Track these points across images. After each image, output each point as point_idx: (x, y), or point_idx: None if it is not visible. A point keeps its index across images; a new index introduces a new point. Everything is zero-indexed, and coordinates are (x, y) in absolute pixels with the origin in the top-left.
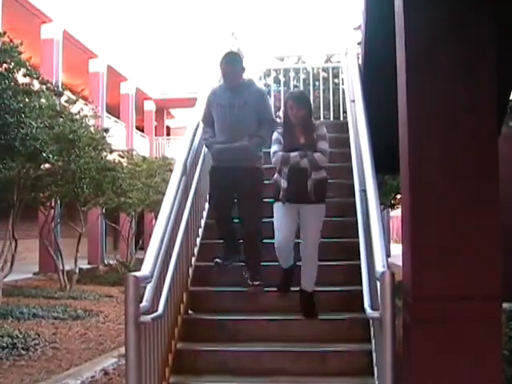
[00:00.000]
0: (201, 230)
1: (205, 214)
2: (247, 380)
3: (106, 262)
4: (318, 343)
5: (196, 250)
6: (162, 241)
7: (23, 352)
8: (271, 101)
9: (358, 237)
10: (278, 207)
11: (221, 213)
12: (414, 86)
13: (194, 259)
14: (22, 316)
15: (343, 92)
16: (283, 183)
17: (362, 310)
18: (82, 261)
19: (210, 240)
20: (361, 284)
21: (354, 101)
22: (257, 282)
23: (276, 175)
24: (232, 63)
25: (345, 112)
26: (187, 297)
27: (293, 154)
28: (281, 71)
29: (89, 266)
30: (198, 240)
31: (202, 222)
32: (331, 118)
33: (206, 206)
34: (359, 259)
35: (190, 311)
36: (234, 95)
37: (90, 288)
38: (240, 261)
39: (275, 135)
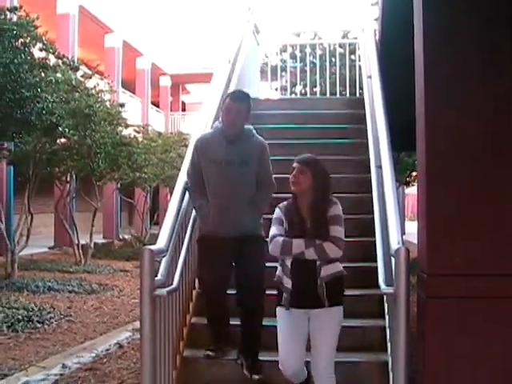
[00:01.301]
0: None
1: None
2: (263, 354)
3: (120, 236)
4: None
5: None
6: (177, 215)
7: (38, 325)
8: (288, 78)
9: (373, 213)
10: (281, 314)
11: (214, 292)
12: (431, 62)
13: None
14: (38, 289)
15: (360, 68)
16: (286, 282)
17: (377, 286)
18: (97, 235)
19: None
20: (375, 260)
21: (370, 77)
22: (257, 376)
23: (278, 270)
24: (239, 100)
25: (361, 88)
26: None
27: (296, 242)
28: (297, 47)
29: (104, 241)
30: None
31: None
32: (347, 95)
33: None
34: (374, 236)
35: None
36: (232, 148)
37: (104, 262)
38: (237, 357)
39: (277, 212)
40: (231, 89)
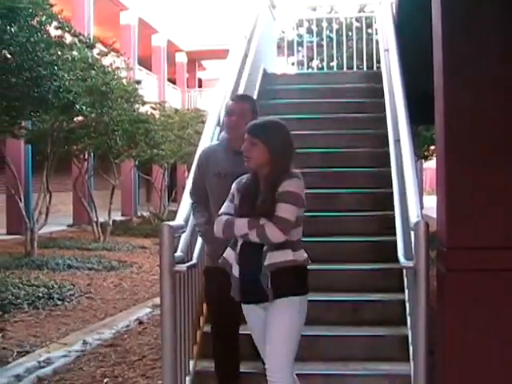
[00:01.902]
0: None
1: None
2: None
3: (139, 213)
4: (353, 293)
5: None
6: None
7: (59, 302)
8: (304, 52)
9: (390, 187)
10: (244, 309)
11: (225, 327)
12: (449, 33)
13: None
14: (58, 267)
15: (376, 42)
16: (234, 269)
17: (396, 260)
18: (116, 213)
19: None
20: (394, 234)
21: (387, 50)
22: None
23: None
24: (241, 100)
25: (378, 62)
26: None
27: (239, 222)
28: (313, 21)
29: (122, 218)
30: None
31: None
32: (364, 68)
33: None
34: (392, 210)
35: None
36: (238, 159)
37: (123, 239)
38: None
39: (232, 186)
40: (248, 65)
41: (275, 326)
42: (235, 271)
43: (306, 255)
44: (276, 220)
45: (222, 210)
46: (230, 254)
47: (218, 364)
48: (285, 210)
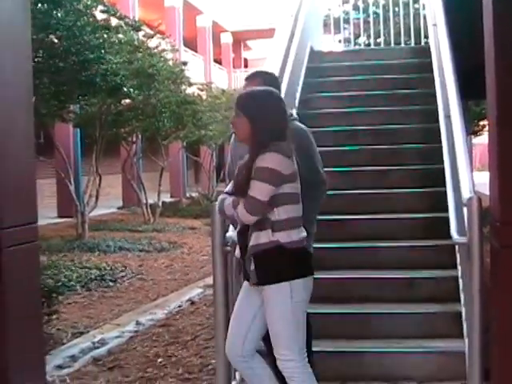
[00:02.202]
0: None
1: None
2: (334, 307)
3: (188, 194)
4: (405, 270)
5: None
6: None
7: (111, 284)
8: (351, 29)
9: (441, 163)
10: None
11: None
12: (500, 5)
13: None
14: (109, 249)
15: (424, 17)
16: (237, 248)
17: (448, 236)
18: (165, 194)
19: None
20: (447, 210)
21: (435, 25)
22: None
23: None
24: (249, 78)
25: (426, 37)
26: None
27: (228, 201)
28: None
29: (171, 200)
30: None
31: None
32: (412, 44)
33: None
34: (443, 186)
35: None
36: None
37: (173, 221)
38: None
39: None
40: (295, 43)
41: (268, 313)
42: (237, 251)
43: (298, 236)
44: (246, 199)
45: (226, 188)
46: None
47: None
48: (254, 188)
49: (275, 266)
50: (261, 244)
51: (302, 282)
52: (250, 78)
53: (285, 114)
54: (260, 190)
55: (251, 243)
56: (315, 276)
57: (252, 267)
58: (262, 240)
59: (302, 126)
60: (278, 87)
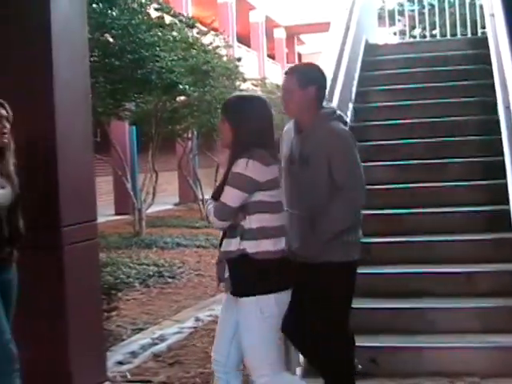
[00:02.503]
0: None
1: None
2: (393, 302)
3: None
4: (464, 264)
5: None
6: None
7: (169, 280)
8: (406, 21)
9: (500, 155)
10: None
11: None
12: None
13: None
14: (166, 246)
15: (480, 7)
16: None
17: (508, 229)
18: None
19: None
20: (507, 203)
21: (493, 15)
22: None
23: None
24: (285, 74)
25: (483, 27)
26: None
27: (209, 206)
28: None
29: None
30: None
31: None
32: (468, 35)
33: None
34: (504, 178)
35: None
36: (297, 141)
37: None
38: None
39: None
40: (350, 36)
41: (239, 327)
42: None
43: (273, 247)
44: (216, 204)
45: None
46: None
47: None
48: (224, 194)
49: (243, 276)
50: (228, 252)
51: (273, 297)
52: (285, 74)
53: (268, 121)
54: (230, 196)
55: (222, 249)
56: (373, 271)
57: (226, 274)
58: (228, 248)
59: (343, 127)
60: (317, 79)
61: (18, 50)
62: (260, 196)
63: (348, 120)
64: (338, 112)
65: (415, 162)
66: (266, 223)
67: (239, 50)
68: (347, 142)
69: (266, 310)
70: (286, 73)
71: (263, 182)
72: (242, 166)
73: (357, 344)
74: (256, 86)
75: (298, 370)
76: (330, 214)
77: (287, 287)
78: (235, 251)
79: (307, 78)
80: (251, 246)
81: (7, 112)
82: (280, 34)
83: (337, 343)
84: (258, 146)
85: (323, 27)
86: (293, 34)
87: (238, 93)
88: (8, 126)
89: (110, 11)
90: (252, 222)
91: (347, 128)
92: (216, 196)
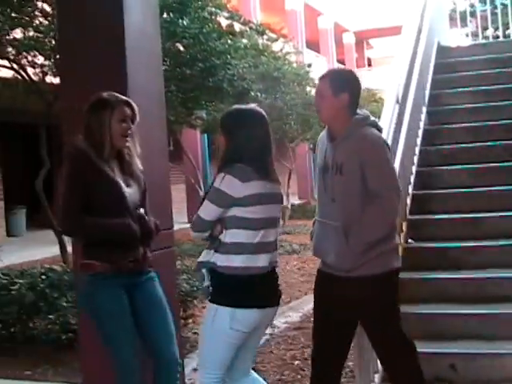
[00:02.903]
0: (416, 158)
1: (419, 140)
2: (471, 307)
3: (315, 196)
4: None
5: (412, 178)
6: None
7: None
8: (478, 22)
9: None
10: None
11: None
12: None
13: (410, 188)
14: None
15: None
16: None
17: None
18: (293, 196)
19: (426, 168)
20: None
21: None
22: None
23: None
24: (319, 80)
25: None
26: (406, 226)
27: None
28: None
29: (299, 201)
30: (414, 168)
31: (417, 149)
32: None
33: (420, 132)
34: None
35: (409, 240)
36: (330, 148)
37: (302, 222)
38: None
39: None
40: (422, 39)
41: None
42: None
43: (244, 263)
44: (195, 215)
45: None
46: None
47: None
48: (201, 206)
49: (214, 285)
50: (203, 262)
51: (228, 312)
52: (319, 79)
53: (260, 136)
54: (204, 209)
55: (198, 259)
56: (450, 276)
57: (205, 283)
58: (205, 258)
59: (377, 133)
60: (350, 85)
61: (94, 61)
62: (237, 211)
63: (422, 124)
64: (372, 118)
65: (493, 164)
66: (242, 239)
67: (308, 56)
68: (381, 149)
69: (218, 319)
70: (320, 77)
71: (240, 197)
72: (218, 181)
73: (435, 350)
74: None
75: (377, 377)
76: (365, 224)
77: (251, 306)
78: (208, 262)
79: (341, 84)
80: (222, 260)
81: (133, 112)
82: (349, 39)
83: (401, 352)
84: (244, 161)
85: (392, 31)
86: (362, 39)
87: (236, 106)
88: (133, 126)
89: (180, 20)
90: (227, 236)
91: (381, 133)
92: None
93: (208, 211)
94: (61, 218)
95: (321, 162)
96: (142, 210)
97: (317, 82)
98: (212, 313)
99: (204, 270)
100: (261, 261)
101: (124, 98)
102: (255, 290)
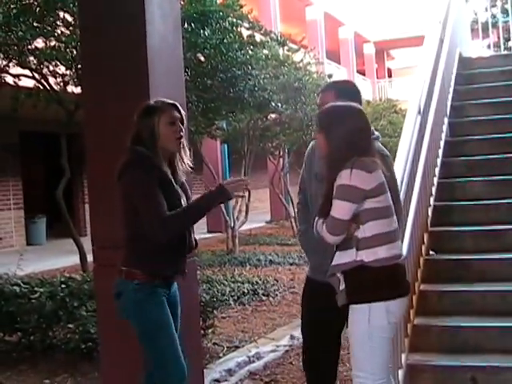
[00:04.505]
0: (437, 169)
1: (440, 152)
2: (493, 320)
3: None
4: None
5: (434, 190)
6: (401, 182)
7: (264, 297)
8: (500, 33)
9: None
10: None
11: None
12: None
13: (432, 199)
14: (259, 263)
15: None
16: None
17: None
18: None
19: (447, 179)
20: None
21: None
22: None
23: None
24: (322, 91)
25: None
26: (428, 237)
27: (318, 223)
28: (507, 0)
29: None
30: (436, 179)
31: (438, 161)
32: None
33: (441, 143)
34: None
35: (431, 252)
36: None
37: None
38: None
39: None
40: (444, 50)
41: (349, 334)
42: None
43: (387, 253)
44: (327, 219)
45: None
46: None
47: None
48: (334, 208)
49: (359, 286)
50: (343, 264)
51: (384, 306)
52: (322, 91)
53: (364, 130)
54: (340, 209)
55: (334, 262)
56: (472, 288)
57: (341, 287)
58: (345, 260)
59: (382, 148)
60: (354, 96)
61: (116, 71)
62: (369, 204)
63: (444, 136)
64: (372, 128)
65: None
66: (380, 230)
67: (329, 67)
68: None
69: (375, 318)
70: (324, 89)
71: (369, 189)
72: (346, 177)
73: (456, 363)
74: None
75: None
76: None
77: (400, 295)
78: (351, 262)
79: (346, 95)
80: (368, 255)
81: (180, 113)
82: (369, 50)
83: None
84: (358, 155)
85: (413, 42)
86: (382, 49)
87: (331, 103)
88: (183, 128)
89: (202, 31)
90: (366, 230)
91: (380, 143)
92: (323, 212)
93: (345, 210)
94: (158, 229)
95: (317, 172)
96: None
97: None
98: (366, 313)
99: (339, 274)
100: (399, 247)
101: (170, 101)
102: (402, 278)
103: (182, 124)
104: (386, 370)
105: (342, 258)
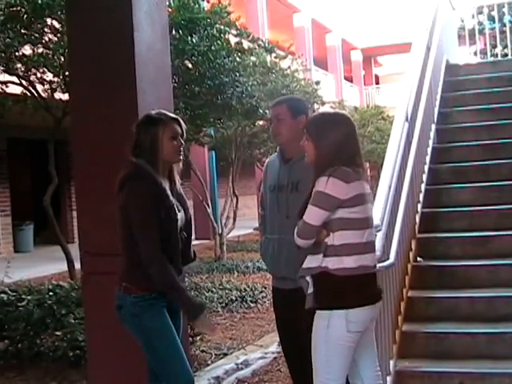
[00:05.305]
0: (425, 176)
1: (428, 158)
2: (481, 326)
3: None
4: None
5: (421, 196)
6: (389, 189)
7: (252, 304)
8: (486, 40)
9: None
10: None
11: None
12: None
13: (419, 206)
14: (247, 270)
15: None
16: None
17: None
18: None
19: (435, 186)
20: None
21: None
22: None
23: None
24: (276, 104)
25: None
26: (415, 244)
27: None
28: (494, 7)
29: None
30: (423, 186)
31: (426, 168)
32: None
33: (429, 150)
34: None
35: (418, 258)
36: (285, 169)
37: None
38: None
39: None
40: (431, 57)
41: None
42: None
43: (355, 263)
44: (299, 223)
45: None
46: None
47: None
48: (307, 213)
49: (323, 292)
50: (310, 268)
51: (344, 315)
52: (274, 105)
53: (351, 137)
54: (312, 215)
55: (303, 266)
56: (459, 295)
57: (310, 290)
58: (313, 264)
59: None
60: (306, 109)
61: (104, 78)
62: (342, 213)
63: (431, 142)
64: None
65: (503, 182)
66: (349, 240)
67: (316, 74)
68: None
69: (334, 326)
70: (276, 104)
71: (345, 199)
72: (323, 185)
73: (444, 369)
74: (334, 108)
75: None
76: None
77: (360, 305)
78: (317, 268)
79: (298, 108)
80: (333, 263)
81: (181, 129)
82: (357, 57)
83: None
84: (341, 163)
85: (400, 48)
86: (370, 56)
87: (320, 109)
88: (183, 142)
89: (189, 38)
90: (335, 239)
91: None
92: (300, 216)
93: (315, 216)
94: (147, 262)
95: (274, 183)
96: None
97: (324, 99)
98: (325, 320)
99: (308, 277)
100: (370, 260)
101: (173, 115)
102: (367, 289)
103: (182, 138)
104: (341, 376)
105: (311, 262)
